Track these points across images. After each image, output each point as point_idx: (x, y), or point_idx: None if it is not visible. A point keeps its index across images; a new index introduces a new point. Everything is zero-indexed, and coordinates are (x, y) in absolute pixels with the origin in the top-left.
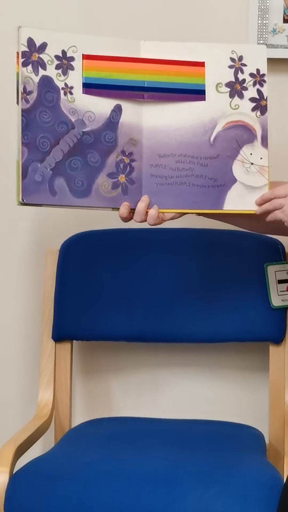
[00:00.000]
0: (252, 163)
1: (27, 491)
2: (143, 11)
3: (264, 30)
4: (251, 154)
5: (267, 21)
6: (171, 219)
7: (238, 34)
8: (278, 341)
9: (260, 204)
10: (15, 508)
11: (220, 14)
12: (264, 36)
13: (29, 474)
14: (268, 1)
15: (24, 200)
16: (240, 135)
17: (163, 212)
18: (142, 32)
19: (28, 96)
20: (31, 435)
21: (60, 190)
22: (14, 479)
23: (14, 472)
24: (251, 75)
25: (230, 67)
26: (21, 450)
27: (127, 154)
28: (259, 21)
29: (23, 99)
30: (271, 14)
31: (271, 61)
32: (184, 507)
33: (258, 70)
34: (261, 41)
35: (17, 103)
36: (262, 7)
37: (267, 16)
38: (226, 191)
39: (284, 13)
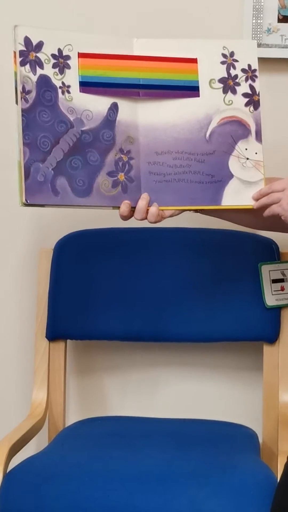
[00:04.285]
0: (247, 158)
1: (21, 490)
2: (137, 11)
3: (258, 30)
4: (246, 149)
5: (261, 21)
6: (171, 216)
7: (232, 33)
8: (272, 340)
9: (257, 198)
10: (8, 507)
11: (215, 14)
12: (258, 35)
13: (23, 473)
14: (262, 1)
15: (28, 201)
16: (235, 131)
17: (162, 210)
18: (136, 32)
19: (27, 96)
20: (25, 434)
21: (62, 190)
22: (8, 478)
23: (8, 471)
24: (243, 70)
25: (222, 63)
26: (14, 449)
27: (125, 152)
28: (254, 21)
29: (22, 99)
30: (266, 13)
31: (266, 61)
32: (178, 507)
33: (249, 66)
34: (256, 41)
35: (16, 103)
36: (257, 6)
37: (261, 15)
38: (224, 187)
39: (279, 12)
